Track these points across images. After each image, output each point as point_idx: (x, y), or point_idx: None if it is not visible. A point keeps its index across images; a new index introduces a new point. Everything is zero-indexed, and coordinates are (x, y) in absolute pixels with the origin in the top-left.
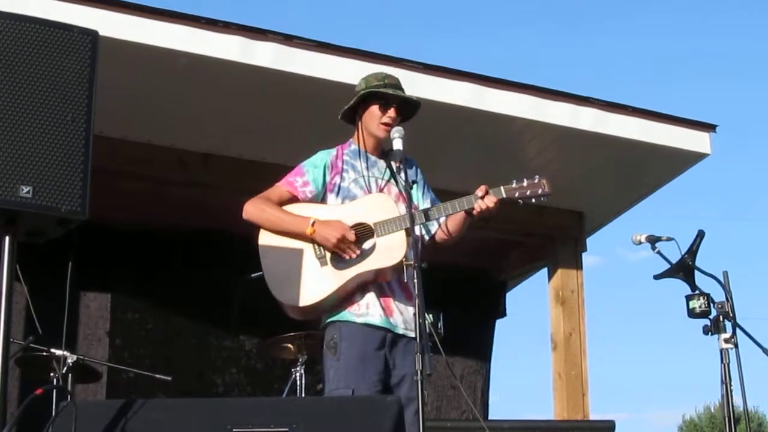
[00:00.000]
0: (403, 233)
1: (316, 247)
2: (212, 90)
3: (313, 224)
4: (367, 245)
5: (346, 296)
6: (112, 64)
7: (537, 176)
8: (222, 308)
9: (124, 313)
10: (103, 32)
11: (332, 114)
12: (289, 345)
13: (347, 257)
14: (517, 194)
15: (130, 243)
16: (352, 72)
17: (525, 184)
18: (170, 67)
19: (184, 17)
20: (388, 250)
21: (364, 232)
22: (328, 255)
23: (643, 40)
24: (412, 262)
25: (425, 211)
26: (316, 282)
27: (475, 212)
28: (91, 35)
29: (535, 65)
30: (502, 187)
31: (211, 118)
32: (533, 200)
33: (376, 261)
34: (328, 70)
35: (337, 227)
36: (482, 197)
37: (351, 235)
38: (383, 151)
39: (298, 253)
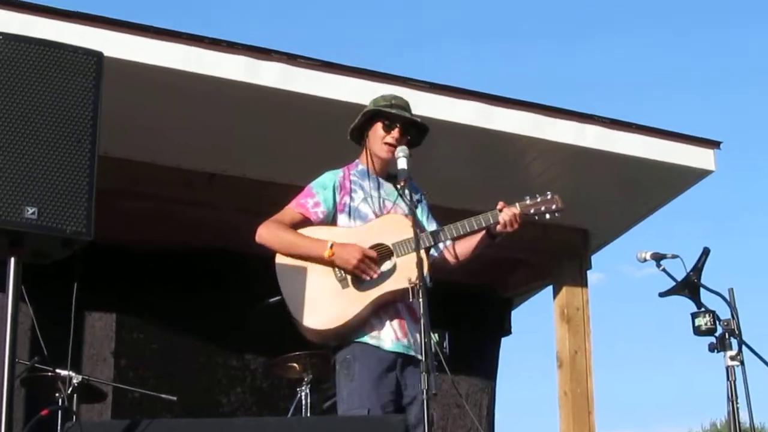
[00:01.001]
0: (422, 252)
1: (337, 270)
2: (217, 110)
3: (331, 247)
4: (386, 266)
5: (366, 319)
6: (117, 84)
7: (549, 192)
8: (227, 328)
9: (129, 333)
10: (108, 53)
11: (337, 133)
12: (295, 364)
13: (368, 278)
14: (532, 210)
15: (135, 263)
16: (356, 91)
17: (539, 200)
18: (175, 87)
19: (188, 37)
20: (410, 270)
21: (382, 253)
22: (349, 277)
23: (645, 55)
24: (417, 282)
25: (435, 232)
26: (339, 305)
27: (498, 228)
28: (96, 56)
29: (538, 83)
30: (517, 204)
31: (215, 137)
32: (547, 216)
33: (399, 281)
34: (332, 90)
35: (357, 248)
36: (500, 210)
37: (371, 254)
38: (389, 174)
39: (319, 276)
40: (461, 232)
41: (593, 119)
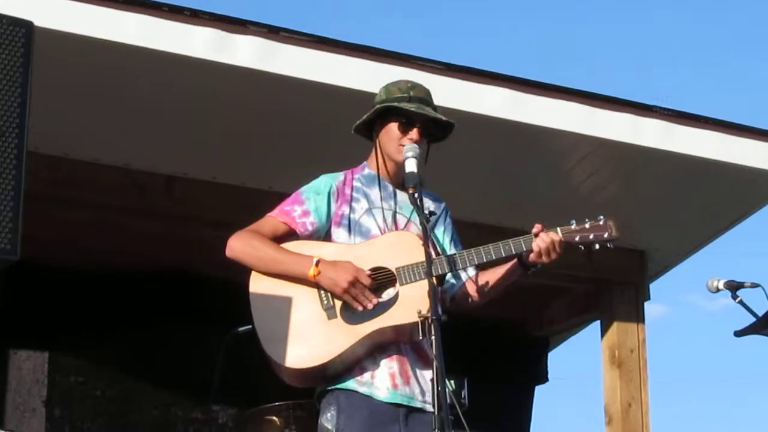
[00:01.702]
0: (433, 281)
1: (323, 294)
2: (177, 95)
3: (317, 264)
4: (386, 296)
5: (356, 359)
6: (52, 62)
7: (602, 217)
8: (190, 370)
9: (66, 376)
10: (39, 23)
11: (330, 127)
12: (274, 418)
13: (360, 308)
14: (577, 238)
15: (74, 288)
16: (355, 74)
17: (588, 225)
18: (125, 66)
19: (142, 4)
20: (415, 302)
21: (384, 279)
22: (338, 305)
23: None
24: (429, 315)
25: (452, 257)
26: (322, 339)
27: (532, 257)
28: (24, 27)
29: (585, 67)
30: (558, 229)
31: (176, 130)
32: (597, 246)
33: (399, 316)
34: (324, 72)
35: (349, 269)
36: (536, 234)
37: (365, 279)
38: (401, 181)
39: (300, 302)
40: (485, 260)
41: (653, 111)
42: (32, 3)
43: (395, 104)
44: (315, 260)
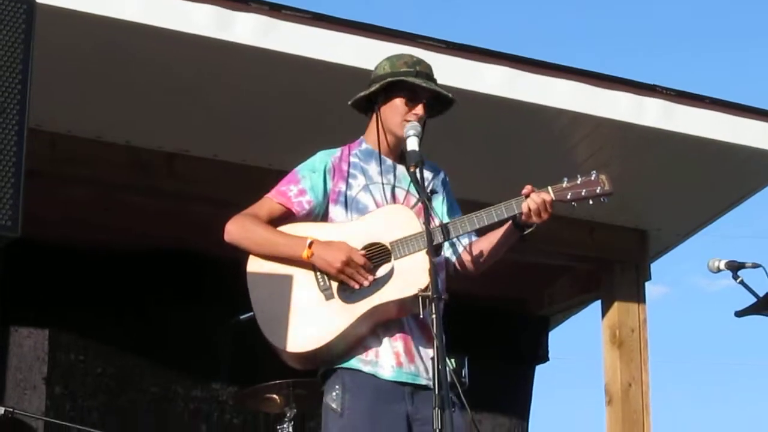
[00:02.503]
0: (434, 259)
1: (319, 276)
2: (179, 73)
3: (310, 245)
4: (382, 271)
5: (357, 338)
6: (53, 39)
7: (593, 172)
8: (190, 348)
9: (66, 354)
10: (41, 0)
11: (331, 104)
12: (274, 396)
13: (356, 286)
14: (569, 195)
15: (75, 266)
16: (355, 51)
17: (579, 182)
18: (126, 43)
19: None
20: (411, 275)
21: (379, 254)
22: (335, 285)
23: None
24: (429, 294)
25: (445, 225)
26: (320, 320)
27: (523, 217)
28: (26, 4)
29: (586, 46)
30: (549, 188)
31: (177, 108)
32: (590, 201)
33: (396, 290)
34: (325, 49)
35: (342, 248)
36: (527, 195)
37: (359, 258)
38: (402, 153)
39: (298, 285)
40: (477, 226)
41: (655, 90)
42: None
43: (404, 78)
44: (308, 241)
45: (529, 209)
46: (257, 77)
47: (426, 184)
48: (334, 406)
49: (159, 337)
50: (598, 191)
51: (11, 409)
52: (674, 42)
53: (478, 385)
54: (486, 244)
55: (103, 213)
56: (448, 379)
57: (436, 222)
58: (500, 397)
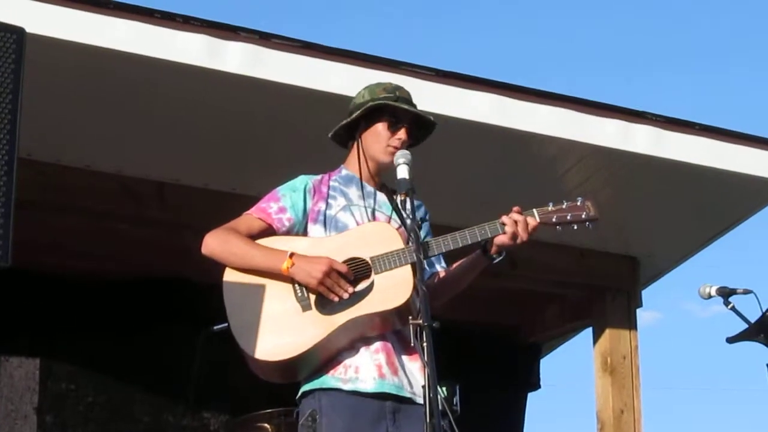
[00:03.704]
0: (408, 268)
1: (297, 288)
2: (169, 102)
3: (291, 256)
4: (362, 286)
5: (332, 354)
6: (43, 68)
7: (579, 198)
8: (181, 377)
9: (58, 383)
10: (31, 29)
11: (320, 132)
12: (265, 425)
13: (336, 299)
14: (554, 218)
15: (66, 294)
16: (344, 79)
17: (564, 206)
18: (116, 72)
19: (135, 11)
20: (390, 289)
21: (359, 269)
22: (312, 297)
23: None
24: (420, 321)
25: (426, 243)
26: (295, 330)
27: (502, 239)
28: (15, 33)
29: (574, 73)
30: (535, 210)
31: (167, 136)
32: (575, 226)
33: (375, 303)
34: (313, 77)
35: (323, 260)
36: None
37: (341, 267)
38: (382, 183)
39: (274, 295)
40: (460, 245)
41: (644, 117)
42: (24, 9)
43: (385, 102)
44: (288, 253)
45: (512, 232)
46: (247, 106)
47: (418, 218)
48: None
49: (150, 364)
50: (583, 216)
51: None
52: (663, 67)
53: (470, 413)
54: (457, 268)
55: (93, 242)
56: (440, 407)
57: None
58: (492, 424)
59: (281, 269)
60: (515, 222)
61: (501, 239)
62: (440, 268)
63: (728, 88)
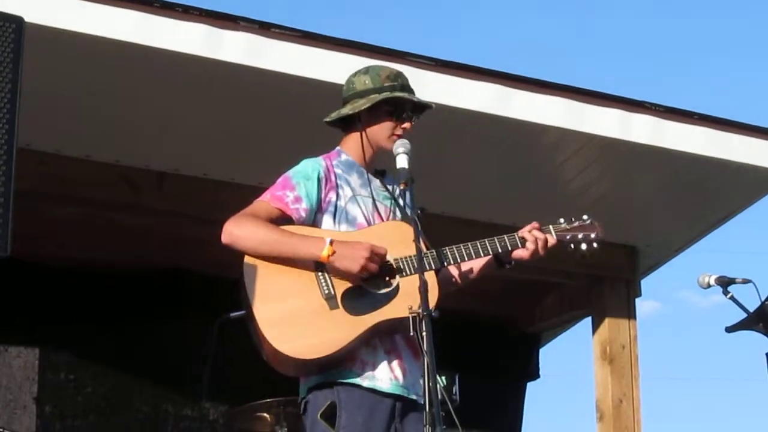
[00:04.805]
0: (432, 274)
1: (322, 282)
2: (168, 92)
3: (331, 243)
4: (388, 286)
5: (354, 350)
6: (42, 58)
7: (587, 216)
8: (181, 368)
9: (57, 373)
10: (30, 18)
11: (319, 122)
12: (265, 414)
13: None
14: (568, 237)
15: (65, 285)
16: (344, 69)
17: (576, 224)
18: (115, 62)
19: (135, 0)
20: (416, 294)
21: (384, 269)
22: (339, 294)
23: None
24: (420, 311)
25: (442, 253)
26: (322, 331)
27: (521, 253)
28: (14, 22)
29: (572, 63)
30: (551, 227)
31: (166, 126)
32: (584, 246)
33: (401, 309)
34: (314, 67)
35: (363, 245)
36: (530, 231)
37: (381, 250)
38: (376, 169)
39: (300, 291)
40: (482, 254)
41: (644, 107)
42: None
43: (390, 94)
44: (328, 240)
45: (532, 249)
46: (247, 95)
47: (417, 208)
48: (327, 424)
49: (150, 355)
50: (593, 236)
51: (1, 429)
52: (663, 57)
53: (469, 403)
54: (467, 267)
55: (92, 232)
56: (439, 396)
57: (428, 243)
58: (491, 414)
59: (321, 256)
60: (536, 240)
61: (520, 253)
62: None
63: (727, 78)
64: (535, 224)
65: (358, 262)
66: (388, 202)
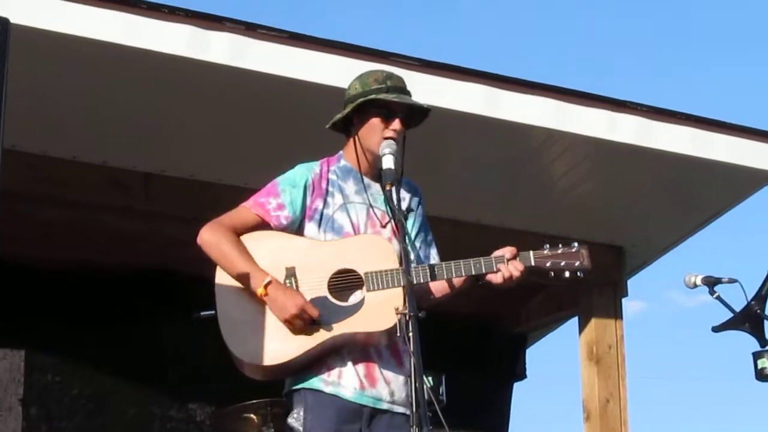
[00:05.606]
0: (400, 291)
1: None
2: (154, 93)
3: (267, 285)
4: (353, 299)
5: (318, 357)
6: (28, 60)
7: (575, 244)
8: (167, 369)
9: (42, 375)
10: (15, 19)
11: (307, 122)
12: (252, 415)
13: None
14: (548, 264)
15: (51, 286)
16: (331, 70)
17: (560, 251)
18: (102, 63)
19: (120, 1)
20: (381, 311)
21: (352, 282)
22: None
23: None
24: (406, 312)
25: (433, 268)
26: (283, 339)
27: (495, 280)
28: (0, 24)
29: (559, 65)
30: (531, 253)
31: (153, 128)
32: (567, 274)
33: (364, 323)
34: (300, 68)
35: (298, 300)
36: (508, 259)
37: (313, 312)
38: (378, 174)
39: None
40: (463, 274)
41: (629, 107)
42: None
43: (375, 96)
44: (267, 280)
45: (504, 277)
46: (233, 96)
47: (403, 202)
48: (296, 426)
49: (136, 356)
50: (576, 265)
51: None
52: (648, 58)
53: (456, 403)
54: (448, 283)
55: (79, 233)
56: (425, 397)
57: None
58: (478, 414)
59: (256, 293)
60: (508, 268)
61: (492, 278)
62: (434, 258)
63: (714, 79)
64: (512, 250)
65: (284, 315)
66: (384, 207)
